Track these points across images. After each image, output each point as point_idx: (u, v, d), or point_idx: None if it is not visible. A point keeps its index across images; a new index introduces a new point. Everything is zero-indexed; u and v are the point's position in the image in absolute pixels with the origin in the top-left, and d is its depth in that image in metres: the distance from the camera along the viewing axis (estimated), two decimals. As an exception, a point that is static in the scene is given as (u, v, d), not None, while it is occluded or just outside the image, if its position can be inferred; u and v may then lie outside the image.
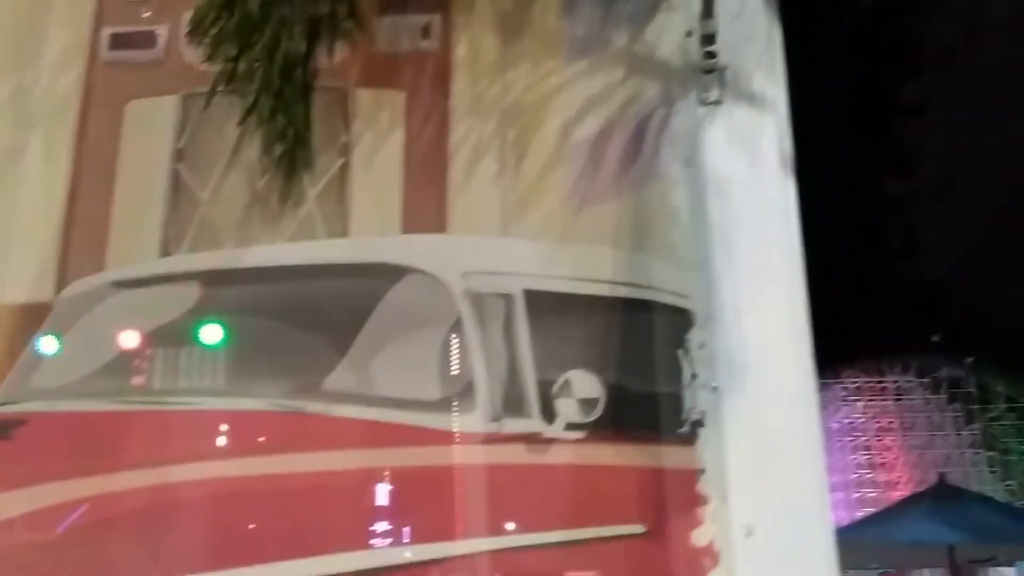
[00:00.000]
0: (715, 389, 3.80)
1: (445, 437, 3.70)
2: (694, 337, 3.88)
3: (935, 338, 14.41)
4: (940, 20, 7.75)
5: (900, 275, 9.33)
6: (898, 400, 18.28)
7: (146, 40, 4.32)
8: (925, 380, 17.57)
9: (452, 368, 3.77)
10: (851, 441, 18.74)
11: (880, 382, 18.20)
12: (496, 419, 3.70)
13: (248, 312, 3.95)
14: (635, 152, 4.15)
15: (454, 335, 3.81)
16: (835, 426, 18.81)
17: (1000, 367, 14.62)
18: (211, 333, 3.87)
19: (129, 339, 3.92)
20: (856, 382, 18.37)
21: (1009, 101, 7.80)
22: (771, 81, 4.23)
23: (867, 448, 18.63)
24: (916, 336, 12.44)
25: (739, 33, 4.21)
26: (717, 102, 4.15)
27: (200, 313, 3.89)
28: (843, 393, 18.57)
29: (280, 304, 3.93)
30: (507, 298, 3.85)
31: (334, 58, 4.28)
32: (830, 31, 7.71)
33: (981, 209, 8.69)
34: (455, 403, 3.72)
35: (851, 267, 9.54)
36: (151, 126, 4.19)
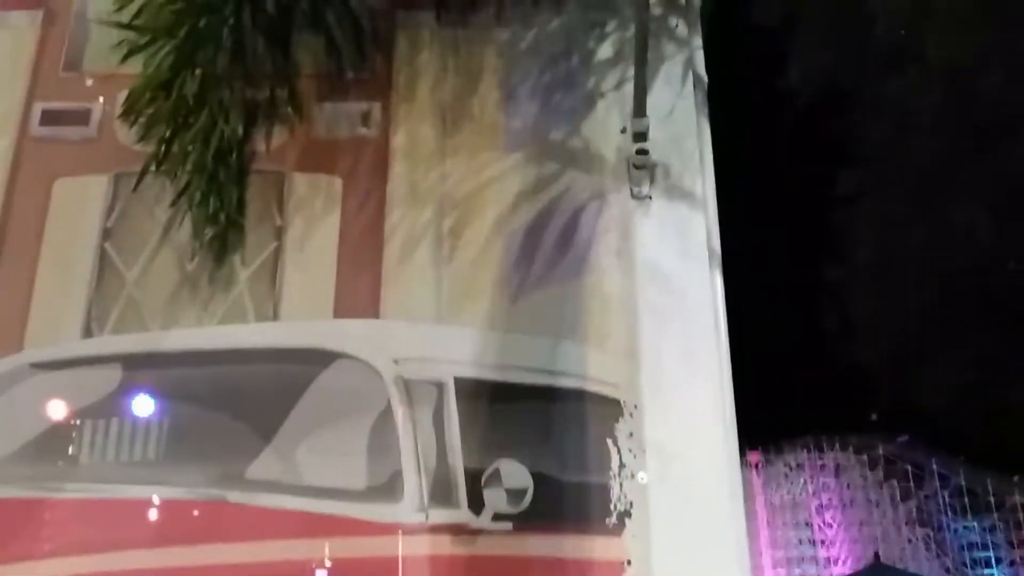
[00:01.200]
0: (643, 479, 3.81)
1: (370, 528, 3.64)
2: (623, 427, 3.90)
3: (873, 416, 14.70)
4: (872, 118, 8.10)
5: (838, 356, 9.52)
6: (837, 477, 18.47)
7: (79, 117, 4.29)
8: (863, 457, 17.81)
9: (379, 457, 3.73)
10: (792, 518, 18.83)
11: (820, 459, 18.39)
12: (423, 509, 3.64)
13: (172, 397, 3.87)
14: (569, 243, 4.21)
15: (383, 422, 3.78)
16: (777, 502, 18.89)
17: (933, 445, 14.91)
18: (132, 418, 3.79)
19: (47, 423, 3.81)
20: (798, 459, 18.53)
21: (937, 195, 8.13)
22: (700, 177, 4.35)
23: (808, 524, 18.71)
24: (854, 414, 12.66)
25: (670, 131, 4.34)
26: (648, 197, 4.25)
27: (122, 397, 3.80)
28: (785, 470, 18.70)
29: (205, 389, 3.86)
30: (438, 385, 3.83)
31: (271, 142, 4.33)
32: (769, 125, 7.99)
33: (913, 295, 8.97)
34: (381, 493, 3.67)
35: (792, 347, 9.71)
36: (80, 204, 4.14)
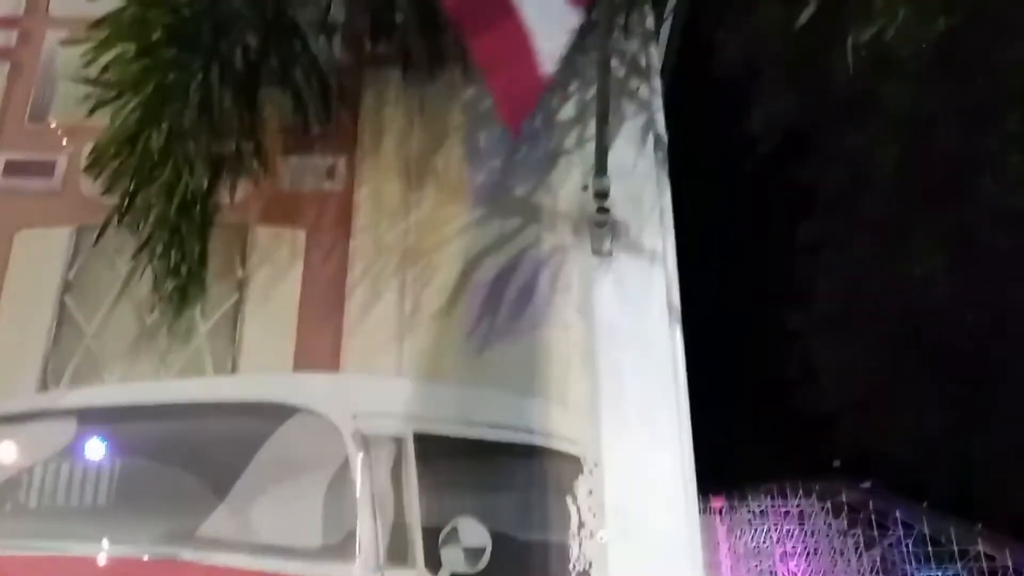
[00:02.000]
0: (602, 538, 3.81)
1: (325, 587, 3.59)
2: (583, 484, 3.90)
3: (836, 463, 14.78)
4: (832, 169, 8.26)
5: (801, 402, 9.60)
6: (801, 524, 18.45)
7: (44, 169, 4.30)
8: (827, 504, 17.84)
9: (336, 514, 3.70)
10: (757, 566, 18.75)
11: (784, 505, 18.38)
12: (378, 569, 3.61)
13: (126, 451, 3.81)
14: (530, 298, 4.25)
15: (340, 478, 3.75)
16: (741, 550, 18.83)
17: (897, 493, 15.02)
18: (85, 473, 3.73)
19: (-2, 477, 3.75)
20: (761, 506, 18.52)
21: (896, 246, 8.28)
22: (660, 234, 4.42)
23: (772, 574, 18.65)
24: (818, 461, 12.73)
25: (631, 189, 4.43)
26: (609, 253, 4.32)
27: (76, 451, 3.75)
28: (749, 516, 18.67)
29: (160, 443, 3.81)
30: (397, 441, 3.82)
31: (235, 195, 4.35)
32: (730, 174, 8.15)
33: (874, 344, 9.09)
34: (336, 552, 3.63)
35: (756, 394, 9.78)
36: (41, 256, 4.14)
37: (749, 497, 18.25)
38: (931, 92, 7.72)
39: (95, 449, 3.76)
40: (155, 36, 4.17)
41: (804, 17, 4.41)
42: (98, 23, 4.16)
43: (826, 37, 4.88)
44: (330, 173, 4.46)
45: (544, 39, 3.15)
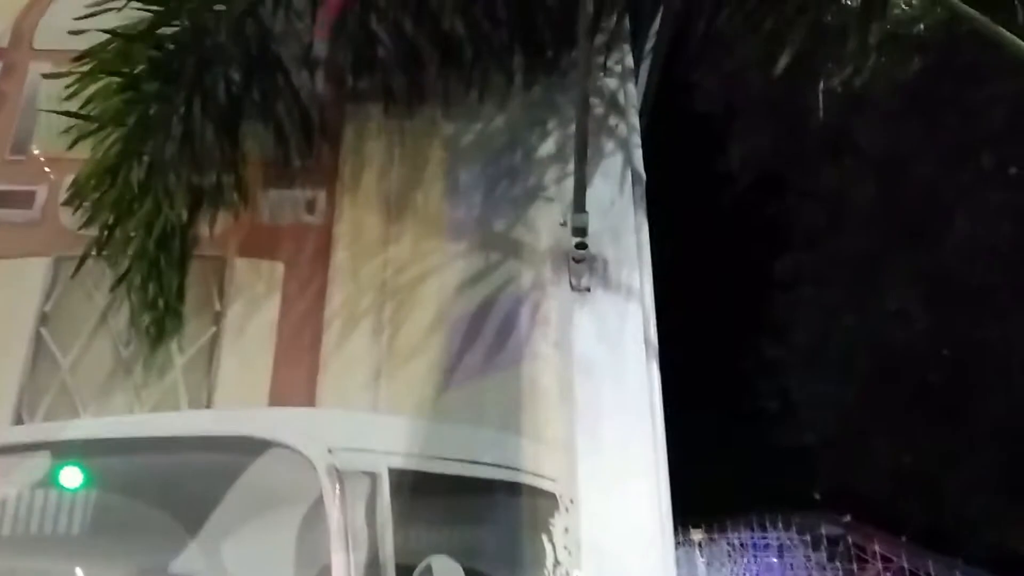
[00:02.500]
0: (577, 576, 3.81)
1: (296, 626, 3.56)
2: (559, 522, 3.90)
3: (816, 495, 14.80)
4: (808, 206, 8.37)
5: (780, 435, 9.64)
6: (781, 557, 18.43)
7: (24, 200, 4.29)
8: (806, 537, 17.84)
9: (309, 551, 3.68)
10: (736, 600, 18.83)
11: (764, 538, 18.37)
12: (352, 608, 3.59)
13: (99, 485, 3.78)
14: (508, 333, 4.26)
15: (314, 515, 3.73)
16: (720, 583, 18.89)
17: (876, 526, 15.05)
18: (57, 509, 3.70)
19: (-33, 513, 3.70)
20: (741, 538, 18.50)
21: (872, 282, 8.38)
22: (638, 270, 4.46)
23: (752, 607, 18.71)
24: (797, 493, 12.75)
25: (609, 225, 4.47)
26: (587, 289, 4.35)
27: (48, 487, 3.71)
28: (728, 548, 18.64)
29: (133, 478, 3.78)
30: (372, 476, 3.80)
31: (215, 227, 4.36)
32: (709, 209, 8.24)
33: (851, 377, 9.16)
34: (309, 589, 3.61)
35: (736, 426, 9.82)
36: (18, 287, 4.11)
37: (728, 529, 18.21)
38: (905, 131, 7.87)
39: (69, 483, 3.73)
40: (138, 70, 4.20)
41: (782, 63, 4.49)
42: (82, 56, 4.19)
43: (802, 77, 4.98)
44: (310, 207, 4.48)
45: None
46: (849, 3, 4.65)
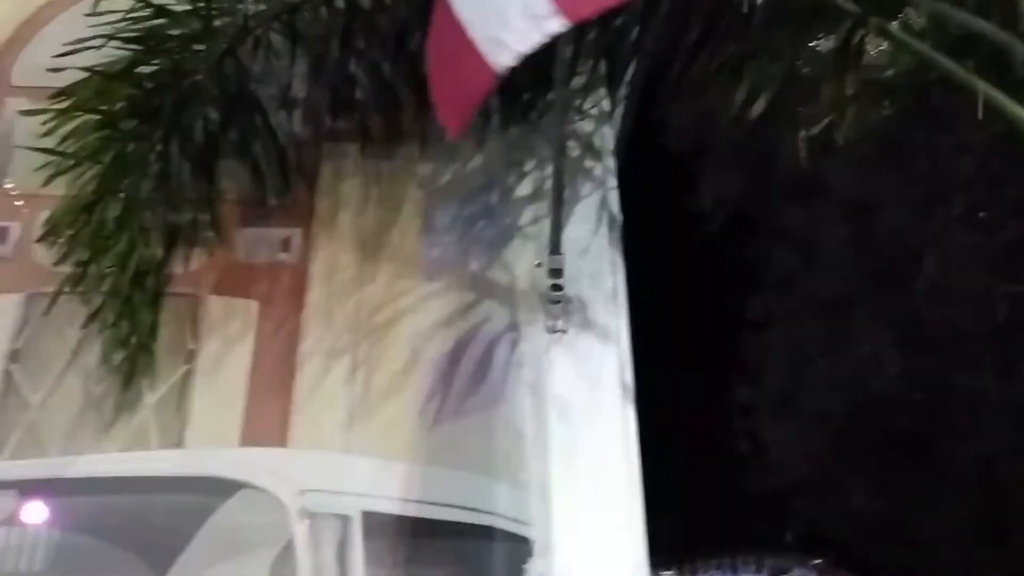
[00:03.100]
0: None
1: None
2: (533, 567, 3.87)
3: (788, 537, 14.78)
4: (780, 249, 8.44)
5: (753, 478, 9.61)
6: (754, 600, 18.41)
7: (-3, 235, 4.26)
8: (778, 580, 17.83)
9: (278, 595, 3.62)
10: (710, 642, 18.61)
11: (737, 581, 18.36)
12: (320, 655, 3.52)
13: (68, 525, 3.72)
14: (483, 375, 4.26)
15: (284, 558, 3.68)
16: (694, 626, 18.71)
17: (847, 570, 15.02)
18: (25, 546, 3.62)
19: (-72, 553, 3.61)
20: (714, 581, 18.47)
21: (842, 324, 8.44)
22: (614, 312, 4.48)
23: (726, 650, 18.49)
24: (769, 536, 12.70)
25: (585, 267, 4.49)
26: (563, 331, 4.36)
27: (16, 525, 3.64)
28: (701, 591, 18.58)
29: (102, 518, 3.72)
30: (344, 519, 3.76)
31: (189, 265, 4.34)
32: (681, 253, 8.29)
33: (822, 420, 9.18)
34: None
35: (708, 469, 9.79)
36: (-12, 324, 4.07)
37: (701, 572, 18.11)
38: (876, 176, 7.97)
39: (36, 522, 3.66)
40: (117, 107, 4.21)
41: (756, 110, 4.57)
42: (60, 94, 4.19)
43: (774, 121, 5.06)
44: (285, 245, 4.47)
45: (485, 28, 2.65)
46: (822, 51, 4.76)
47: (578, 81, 4.81)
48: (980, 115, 3.93)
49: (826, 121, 4.94)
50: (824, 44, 4.76)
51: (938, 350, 8.15)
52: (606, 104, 5.03)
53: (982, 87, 3.94)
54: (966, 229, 7.75)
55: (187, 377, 4.10)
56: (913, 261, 8.11)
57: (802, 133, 4.79)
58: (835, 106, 4.90)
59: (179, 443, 3.94)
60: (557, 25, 2.51)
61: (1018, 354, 7.36)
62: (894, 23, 4.80)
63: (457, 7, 2.67)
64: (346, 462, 3.94)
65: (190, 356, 4.15)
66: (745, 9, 3.96)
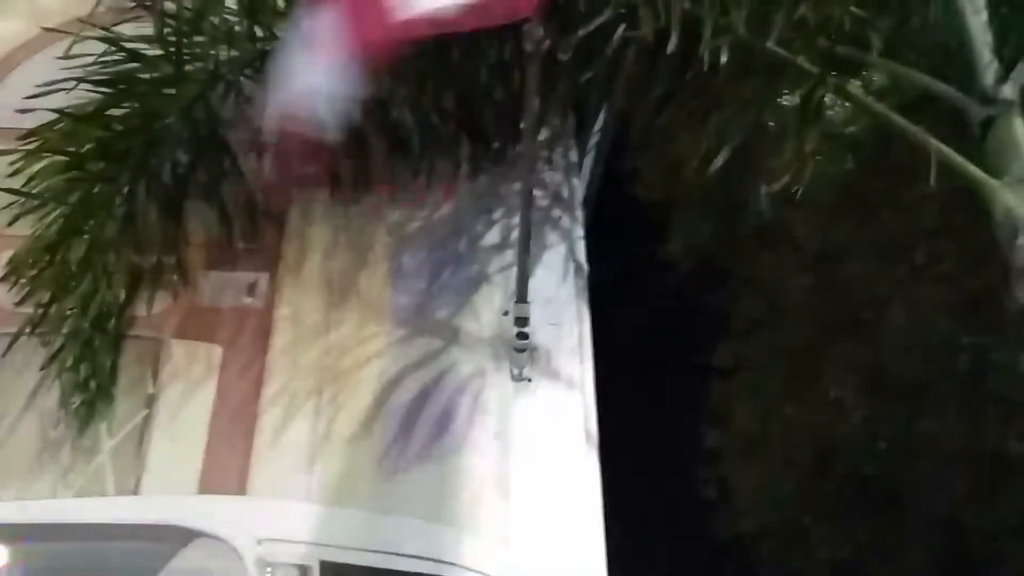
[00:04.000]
0: None
1: None
2: (495, 617, 3.82)
3: (756, 583, 14.74)
4: (746, 297, 8.52)
5: (718, 523, 9.59)
6: (722, 647, 18.27)
7: (-44, 277, 4.19)
8: (747, 627, 17.74)
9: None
10: None
11: (704, 627, 18.22)
12: None
13: (19, 573, 3.63)
14: (448, 422, 4.24)
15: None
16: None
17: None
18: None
19: None
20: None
21: (808, 372, 8.51)
22: (579, 362, 4.50)
23: None
24: (738, 581, 12.69)
25: (551, 316, 4.52)
26: (528, 379, 4.36)
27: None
28: (669, 637, 18.42)
29: (55, 565, 3.64)
30: (303, 569, 3.70)
31: (152, 308, 4.31)
32: (647, 297, 8.36)
33: (789, 467, 9.22)
34: None
35: (673, 514, 9.75)
36: (-56, 367, 4.00)
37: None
38: (841, 226, 8.09)
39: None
40: (85, 149, 4.20)
41: (720, 160, 4.65)
42: (29, 135, 4.18)
43: (740, 171, 5.14)
44: (251, 289, 4.46)
45: None
46: (787, 104, 4.86)
47: (546, 133, 4.89)
48: (933, 173, 4.04)
49: (788, 176, 5.05)
50: (790, 98, 4.88)
51: (902, 398, 8.23)
52: (574, 155, 5.10)
53: (935, 146, 4.06)
54: (929, 279, 7.88)
55: (146, 422, 4.05)
56: (878, 310, 8.22)
57: (763, 188, 4.88)
58: (796, 161, 5.01)
59: (136, 489, 3.88)
60: None
61: (981, 403, 7.46)
62: (856, 81, 4.95)
63: None
64: (306, 511, 3.88)
65: (150, 401, 4.11)
66: (707, 68, 4.05)
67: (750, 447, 9.46)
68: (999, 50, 4.24)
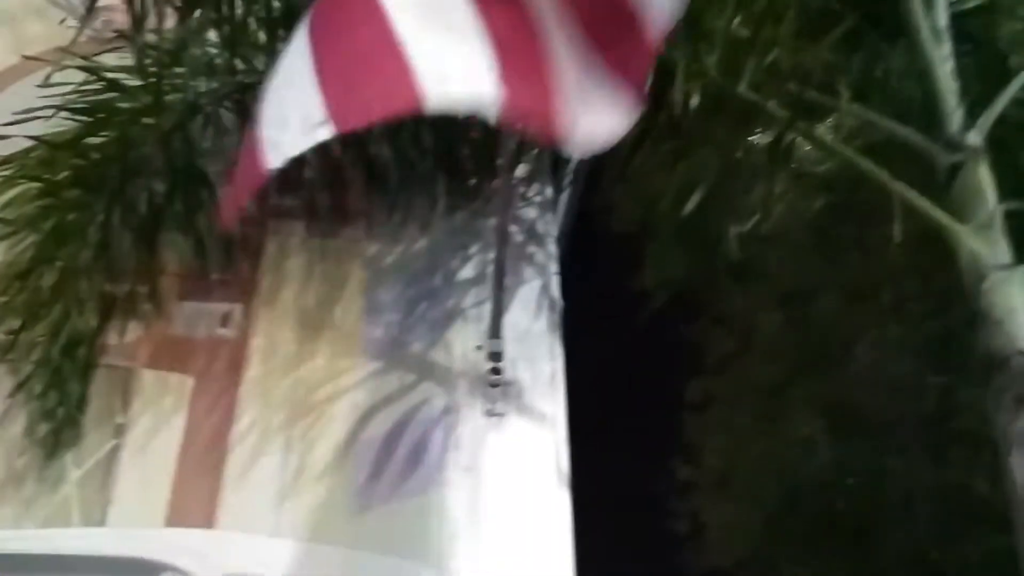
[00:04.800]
0: None
1: None
2: (463, 655, 3.80)
3: (725, 618, 14.71)
4: (716, 334, 8.60)
5: (690, 558, 9.60)
6: None
7: (-78, 304, 4.14)
8: (716, 663, 17.65)
9: None
10: None
11: (674, 663, 18.08)
12: None
13: (-23, 605, 3.58)
14: (420, 457, 4.22)
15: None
16: None
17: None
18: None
19: None
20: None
21: (777, 408, 8.59)
22: (551, 398, 4.50)
23: None
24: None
25: (525, 351, 4.53)
26: (500, 415, 4.37)
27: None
28: (638, 673, 18.27)
29: (14, 599, 3.59)
30: (270, 604, 3.68)
31: (125, 337, 4.28)
32: (620, 331, 8.40)
33: (759, 502, 9.27)
34: None
35: (645, 547, 9.74)
36: (-91, 394, 3.94)
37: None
38: (811, 264, 8.21)
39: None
40: (61, 177, 4.18)
41: (693, 202, 4.72)
42: (4, 161, 4.16)
43: (713, 208, 5.21)
44: (225, 320, 4.44)
45: (269, 127, 2.51)
46: (759, 142, 4.96)
47: (523, 169, 4.94)
48: (898, 220, 4.13)
49: (758, 216, 5.14)
50: (763, 136, 4.97)
51: (870, 436, 8.31)
52: (549, 192, 5.15)
53: (901, 192, 4.15)
54: (897, 318, 8.00)
55: (114, 453, 4.00)
56: (846, 348, 8.32)
57: (732, 228, 4.96)
58: (766, 201, 5.09)
59: (102, 521, 3.83)
60: (327, 133, 2.45)
61: (946, 442, 7.55)
62: (828, 121, 5.06)
63: (261, 100, 2.61)
64: (275, 546, 3.85)
65: (119, 431, 4.07)
66: (679, 111, 4.13)
67: (721, 482, 9.51)
68: (965, 97, 4.36)
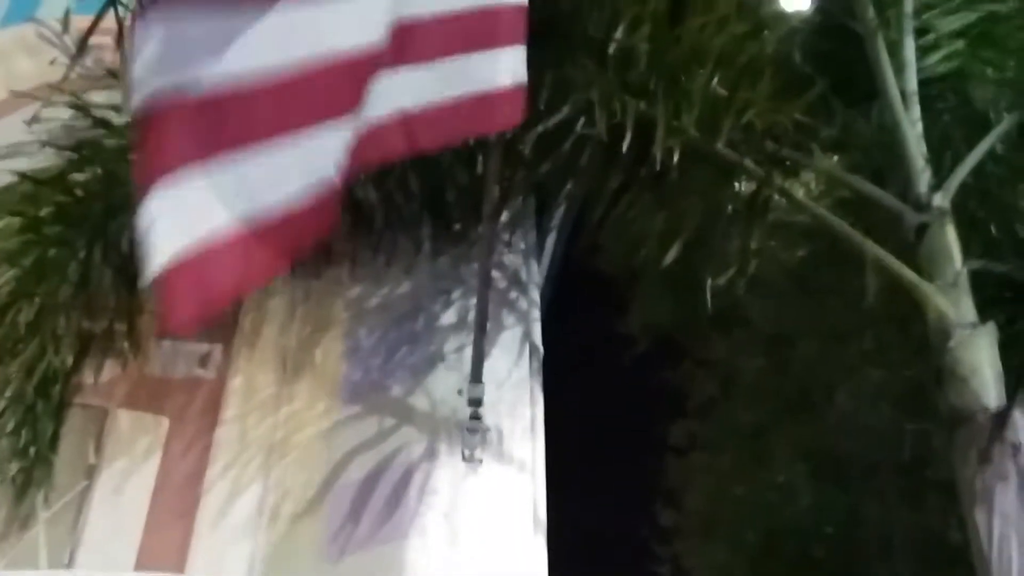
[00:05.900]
0: None
1: None
2: None
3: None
4: (700, 378, 8.63)
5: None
6: None
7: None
8: None
9: None
10: None
11: None
12: None
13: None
14: (398, 503, 4.18)
15: None
16: None
17: None
18: None
19: None
20: None
21: (759, 452, 8.59)
22: (531, 444, 4.48)
23: None
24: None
25: (505, 397, 4.51)
26: (479, 461, 4.34)
27: None
28: None
29: (-23, 643, 3.52)
30: (239, 651, 3.62)
31: (101, 376, 4.24)
32: (604, 374, 8.40)
33: (739, 546, 9.24)
34: None
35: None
36: None
37: None
38: (793, 311, 8.26)
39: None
40: (43, 212, 4.17)
41: (676, 248, 4.74)
42: (-14, 197, 4.14)
43: (697, 253, 5.24)
44: (203, 361, 4.40)
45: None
46: (742, 191, 5.00)
47: (507, 215, 4.95)
48: (869, 272, 4.18)
49: (740, 263, 5.17)
50: (743, 187, 5.02)
51: (849, 482, 8.32)
52: (532, 239, 5.16)
53: (872, 250, 4.21)
54: (875, 365, 8.04)
55: (85, 494, 3.95)
56: (826, 393, 8.36)
57: (715, 275, 4.99)
58: (747, 249, 5.13)
59: (70, 563, 3.77)
60: None
61: (922, 488, 7.57)
62: (804, 175, 5.12)
63: None
64: (245, 591, 3.80)
65: (91, 472, 4.02)
66: (659, 166, 4.18)
67: (703, 526, 9.47)
68: (933, 160, 4.42)
